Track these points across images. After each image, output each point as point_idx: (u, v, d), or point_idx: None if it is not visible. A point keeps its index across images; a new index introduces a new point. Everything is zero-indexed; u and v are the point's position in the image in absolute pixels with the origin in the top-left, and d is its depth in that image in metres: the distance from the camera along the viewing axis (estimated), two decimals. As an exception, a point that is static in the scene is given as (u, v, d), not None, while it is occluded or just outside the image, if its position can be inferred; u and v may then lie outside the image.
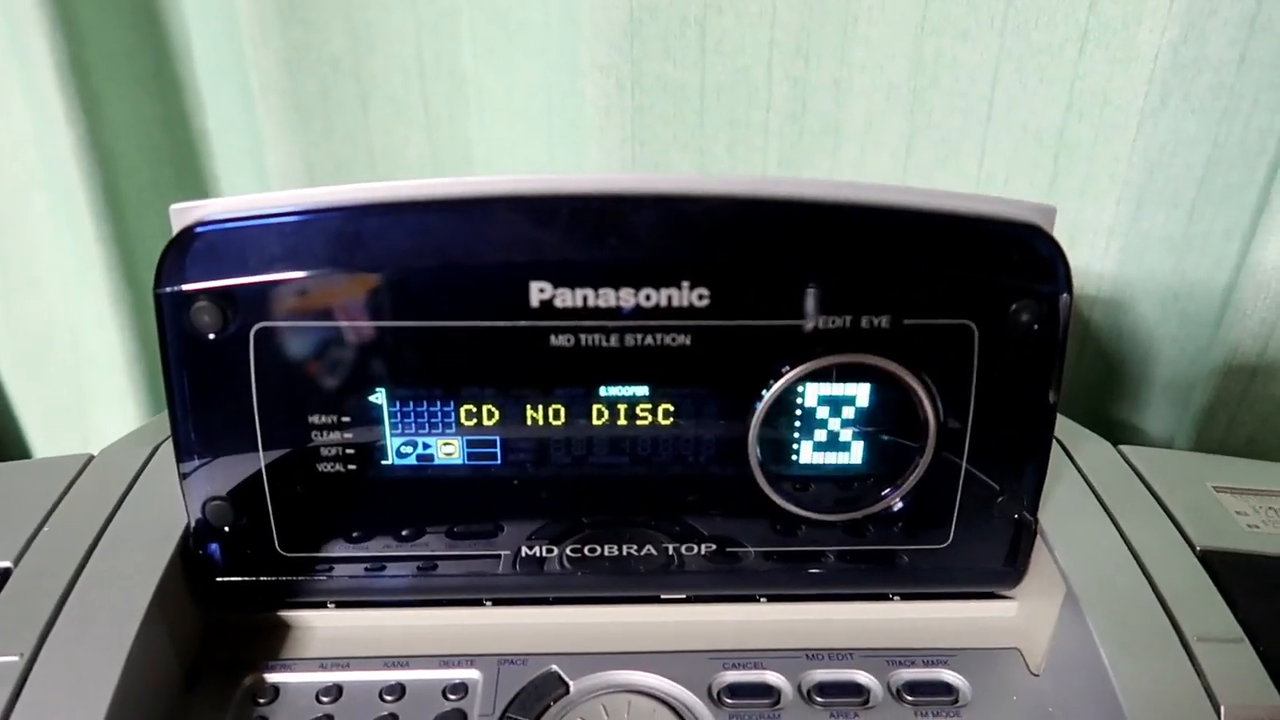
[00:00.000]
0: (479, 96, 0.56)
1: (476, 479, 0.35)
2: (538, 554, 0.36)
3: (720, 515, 0.36)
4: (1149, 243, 0.51)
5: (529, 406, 0.33)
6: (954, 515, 0.36)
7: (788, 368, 0.33)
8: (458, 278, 0.31)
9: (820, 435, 0.34)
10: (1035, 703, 0.34)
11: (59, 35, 0.51)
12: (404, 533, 0.36)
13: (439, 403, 0.33)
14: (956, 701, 0.34)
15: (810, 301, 0.32)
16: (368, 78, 0.55)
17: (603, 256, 0.31)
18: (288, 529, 0.35)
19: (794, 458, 0.35)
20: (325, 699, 0.34)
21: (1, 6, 0.51)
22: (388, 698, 0.34)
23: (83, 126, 0.53)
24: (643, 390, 0.33)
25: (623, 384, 0.33)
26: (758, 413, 0.33)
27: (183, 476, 0.34)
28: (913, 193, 0.31)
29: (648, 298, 0.31)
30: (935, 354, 0.33)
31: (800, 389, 0.33)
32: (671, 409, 0.33)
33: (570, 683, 0.35)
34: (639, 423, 0.34)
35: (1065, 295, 0.32)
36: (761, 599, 0.38)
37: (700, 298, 0.31)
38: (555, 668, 0.35)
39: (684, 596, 0.37)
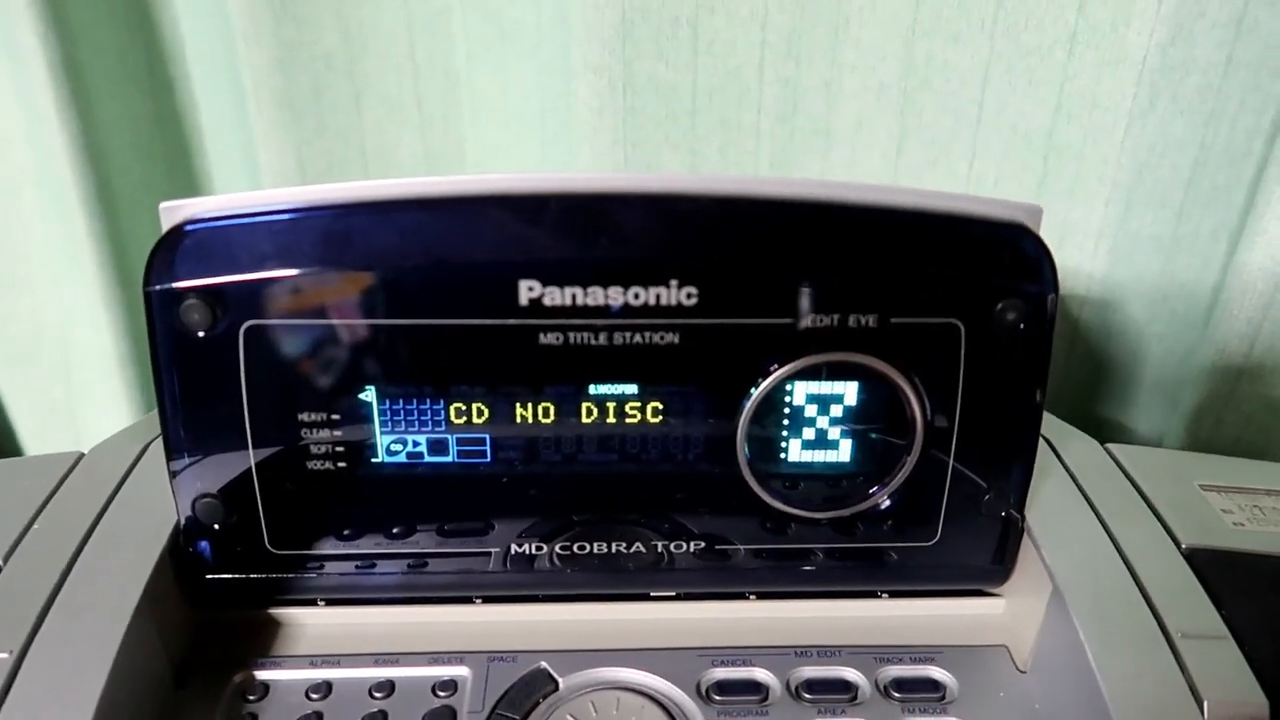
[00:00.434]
0: (472, 96, 0.56)
1: (466, 477, 0.35)
2: (527, 551, 0.36)
3: (709, 513, 0.36)
4: (1137, 243, 0.52)
5: (518, 404, 0.33)
6: (941, 513, 0.36)
7: (776, 366, 0.33)
8: (447, 276, 0.31)
9: (808, 433, 0.35)
10: (1022, 699, 0.35)
11: (51, 33, 0.51)
12: (394, 530, 0.36)
13: (429, 401, 0.33)
14: (944, 698, 0.35)
15: (798, 300, 0.32)
16: (360, 76, 0.55)
17: (591, 255, 0.31)
18: (277, 526, 0.35)
19: (782, 456, 0.35)
20: (315, 696, 0.34)
21: (-6, 5, 0.51)
22: (377, 695, 0.34)
23: (75, 124, 0.53)
24: (632, 388, 0.33)
25: (612, 382, 0.33)
26: (746, 411, 0.34)
27: (173, 474, 0.34)
28: (900, 192, 0.32)
29: (636, 296, 0.31)
30: (922, 353, 0.33)
31: (788, 387, 0.34)
32: (660, 407, 0.34)
33: (559, 680, 0.35)
34: (628, 421, 0.34)
35: (1051, 295, 0.33)
36: (750, 596, 0.38)
37: (689, 296, 0.31)
38: (544, 665, 0.35)
39: (673, 594, 0.38)
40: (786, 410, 0.34)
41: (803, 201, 0.31)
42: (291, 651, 0.36)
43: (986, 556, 0.37)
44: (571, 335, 0.32)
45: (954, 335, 0.33)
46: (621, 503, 0.36)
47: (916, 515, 0.36)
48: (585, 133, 0.52)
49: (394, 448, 0.34)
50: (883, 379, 0.33)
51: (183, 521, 0.35)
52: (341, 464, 0.34)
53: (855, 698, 0.34)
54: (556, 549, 0.36)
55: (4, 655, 0.30)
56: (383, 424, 0.34)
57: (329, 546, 0.36)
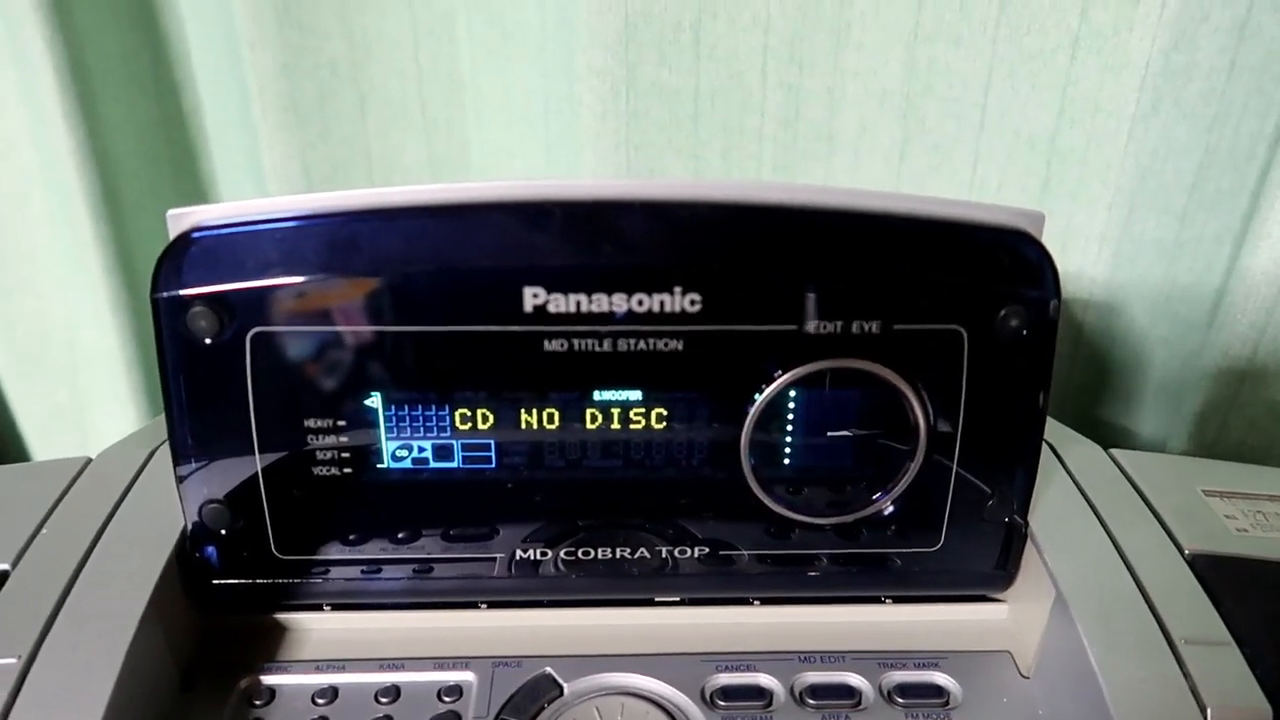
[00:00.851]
0: (476, 100, 0.56)
1: (471, 482, 0.35)
2: (532, 557, 0.36)
3: (713, 518, 0.36)
4: (1141, 248, 0.52)
5: (523, 411, 0.34)
6: (945, 518, 0.36)
7: (780, 372, 0.33)
8: (452, 283, 0.31)
9: (812, 439, 0.35)
10: (1025, 705, 0.35)
11: (57, 38, 0.51)
12: (399, 536, 0.36)
13: (434, 407, 0.34)
14: (947, 704, 0.35)
15: (802, 307, 0.32)
16: (365, 81, 0.56)
17: (595, 262, 0.31)
18: (284, 532, 0.35)
19: (786, 461, 0.35)
20: (321, 701, 0.34)
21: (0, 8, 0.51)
22: (383, 700, 0.34)
23: (81, 128, 0.53)
24: (636, 395, 0.33)
25: (616, 388, 0.33)
26: (750, 417, 0.34)
27: (179, 479, 0.34)
28: (903, 199, 0.32)
29: (640, 303, 0.31)
30: (925, 359, 0.33)
31: (792, 393, 0.34)
32: (664, 413, 0.34)
33: (564, 685, 0.35)
34: (632, 427, 0.34)
35: (1054, 300, 0.33)
36: (754, 601, 0.38)
37: (692, 303, 0.32)
38: (549, 670, 0.35)
39: (677, 599, 0.38)
40: (790, 416, 0.34)
41: (806, 208, 0.31)
42: (298, 656, 0.36)
43: (990, 562, 0.37)
44: (576, 342, 0.32)
45: (957, 341, 0.33)
46: (626, 508, 0.36)
47: (920, 521, 0.36)
48: (588, 137, 0.52)
49: (399, 454, 0.34)
50: (886, 385, 0.33)
51: (189, 527, 0.35)
52: (347, 470, 0.34)
53: (859, 703, 0.35)
54: (561, 554, 0.36)
55: (12, 660, 0.30)
56: (388, 430, 0.34)
57: (335, 552, 0.36)
